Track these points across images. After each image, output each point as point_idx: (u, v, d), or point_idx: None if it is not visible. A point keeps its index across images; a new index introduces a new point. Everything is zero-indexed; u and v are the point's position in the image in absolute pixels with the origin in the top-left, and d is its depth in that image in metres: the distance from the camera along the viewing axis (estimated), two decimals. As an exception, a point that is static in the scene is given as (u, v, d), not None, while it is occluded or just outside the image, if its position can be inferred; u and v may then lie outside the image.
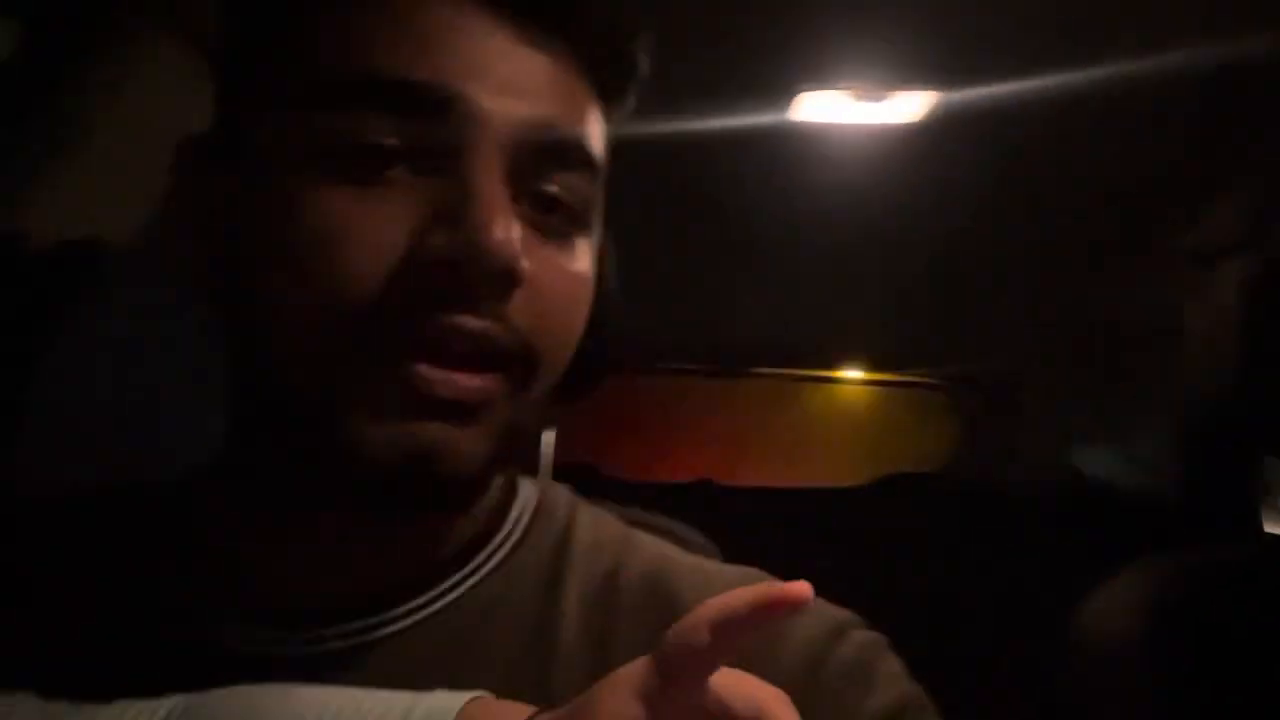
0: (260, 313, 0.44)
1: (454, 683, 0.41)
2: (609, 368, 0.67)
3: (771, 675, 0.41)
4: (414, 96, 0.42)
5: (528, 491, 0.55)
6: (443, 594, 0.49)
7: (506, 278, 0.42)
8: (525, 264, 0.42)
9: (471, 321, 0.42)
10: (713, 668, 0.34)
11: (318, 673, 0.43)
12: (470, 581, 0.49)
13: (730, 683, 0.35)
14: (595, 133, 0.47)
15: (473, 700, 0.38)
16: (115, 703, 0.41)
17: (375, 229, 0.41)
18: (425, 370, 0.41)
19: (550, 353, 0.46)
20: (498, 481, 0.52)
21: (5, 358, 0.85)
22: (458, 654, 0.47)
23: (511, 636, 0.48)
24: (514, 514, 0.53)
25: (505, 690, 0.42)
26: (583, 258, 0.47)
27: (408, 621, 0.48)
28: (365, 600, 0.47)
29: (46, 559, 0.50)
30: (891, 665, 0.50)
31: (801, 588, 0.34)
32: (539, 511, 0.53)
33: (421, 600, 0.48)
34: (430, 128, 0.42)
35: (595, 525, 0.54)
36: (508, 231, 0.41)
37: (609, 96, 0.49)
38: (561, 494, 0.56)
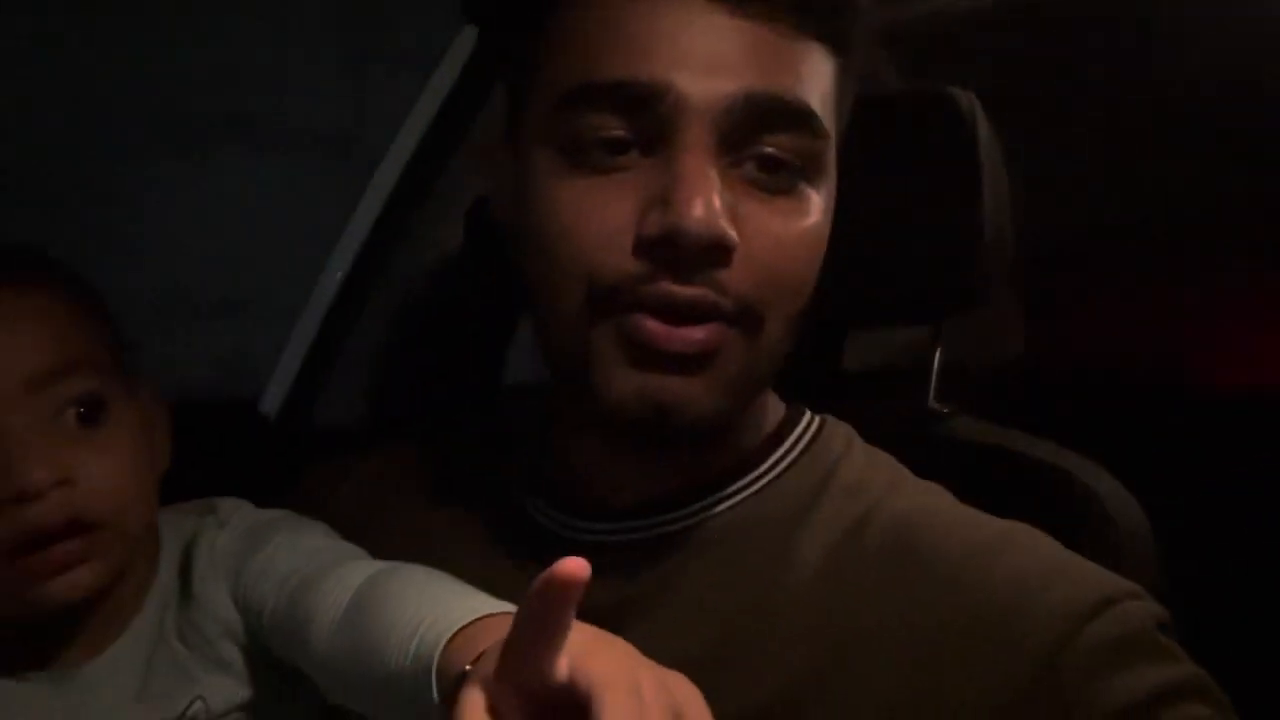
0: (532, 285, 0.54)
1: (691, 594, 0.54)
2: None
3: (1006, 656, 0.46)
4: (628, 93, 0.49)
5: (807, 426, 0.60)
6: (697, 511, 0.56)
7: (711, 250, 0.48)
8: (731, 233, 0.48)
9: (685, 290, 0.48)
10: (538, 654, 0.35)
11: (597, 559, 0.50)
12: (726, 504, 0.56)
13: (580, 664, 0.36)
14: (814, 87, 0.51)
15: (477, 621, 0.43)
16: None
17: (606, 215, 0.49)
18: (652, 325, 0.48)
19: (775, 305, 0.51)
20: (774, 413, 0.59)
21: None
22: (704, 568, 0.55)
23: (757, 561, 0.54)
24: (784, 447, 0.58)
25: (745, 613, 0.52)
26: (811, 210, 0.52)
27: (671, 528, 0.56)
28: (638, 506, 0.56)
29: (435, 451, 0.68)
30: (1157, 645, 0.47)
31: (570, 565, 0.34)
32: (810, 447, 0.59)
33: (679, 514, 0.56)
34: (647, 117, 0.49)
35: (864, 466, 0.58)
36: (708, 208, 0.47)
37: (832, 43, 0.52)
38: (839, 432, 0.61)
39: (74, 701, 0.54)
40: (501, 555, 0.59)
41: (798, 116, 0.50)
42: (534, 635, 0.35)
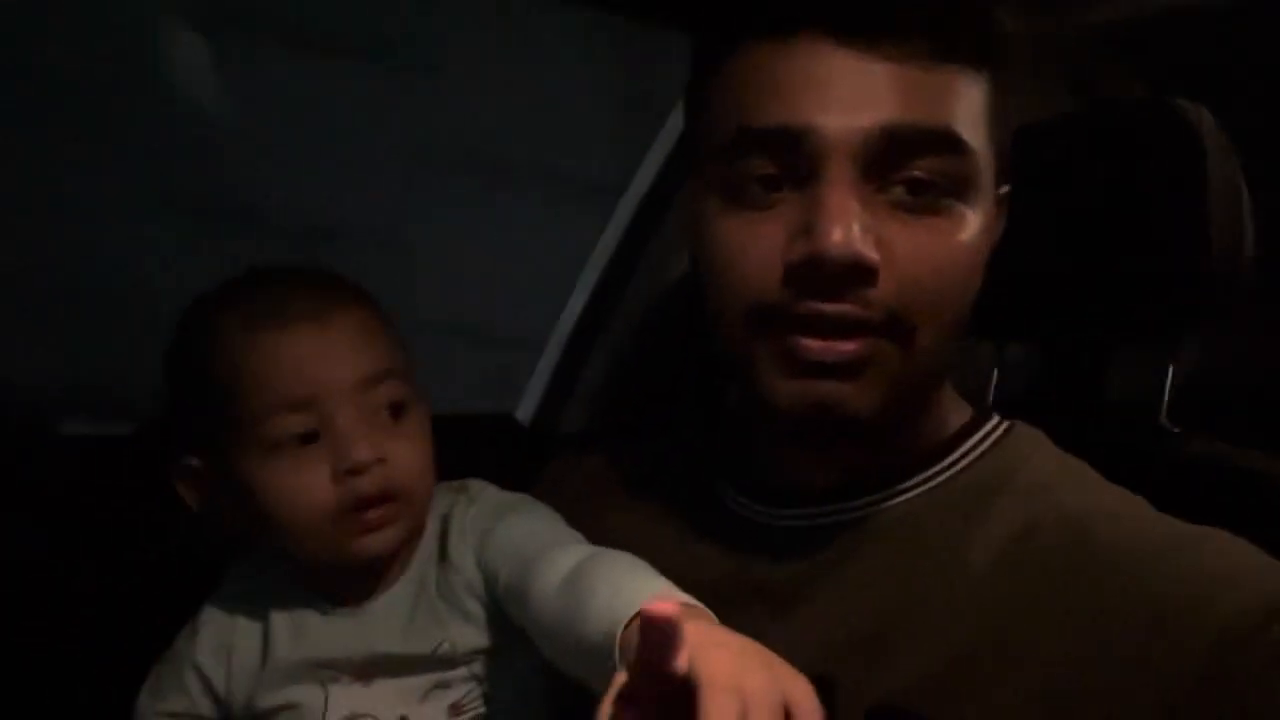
0: (707, 308, 0.60)
1: (859, 577, 0.58)
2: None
3: (1179, 654, 0.46)
4: (776, 137, 0.54)
5: (992, 430, 0.63)
6: (872, 503, 0.60)
7: (852, 269, 0.52)
8: (870, 254, 0.52)
9: (830, 307, 0.53)
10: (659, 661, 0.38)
11: (783, 540, 0.62)
12: (902, 497, 0.60)
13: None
14: (958, 109, 0.54)
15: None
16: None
17: (761, 247, 0.55)
18: (806, 341, 0.54)
19: (924, 315, 0.54)
20: (957, 417, 0.63)
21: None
22: (874, 554, 0.59)
23: (927, 550, 0.58)
24: (964, 448, 0.61)
25: (910, 596, 0.56)
26: (964, 226, 0.55)
27: (846, 516, 0.61)
28: (819, 494, 0.62)
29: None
30: None
31: (659, 609, 0.37)
32: (993, 449, 0.61)
33: (854, 503, 0.61)
34: (795, 156, 0.54)
35: (1051, 470, 0.60)
36: (845, 235, 0.52)
37: (974, 65, 0.55)
38: (1027, 436, 0.63)
39: (361, 629, 0.67)
40: (704, 539, 0.66)
41: (940, 140, 0.53)
42: (650, 654, 0.39)
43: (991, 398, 0.91)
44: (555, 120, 2.01)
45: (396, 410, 0.66)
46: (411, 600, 0.67)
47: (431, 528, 0.70)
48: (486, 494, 0.72)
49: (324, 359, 0.63)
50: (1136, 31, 1.09)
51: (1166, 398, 0.78)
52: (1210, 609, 0.48)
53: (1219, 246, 0.71)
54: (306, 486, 0.63)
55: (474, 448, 1.14)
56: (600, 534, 0.70)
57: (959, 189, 0.54)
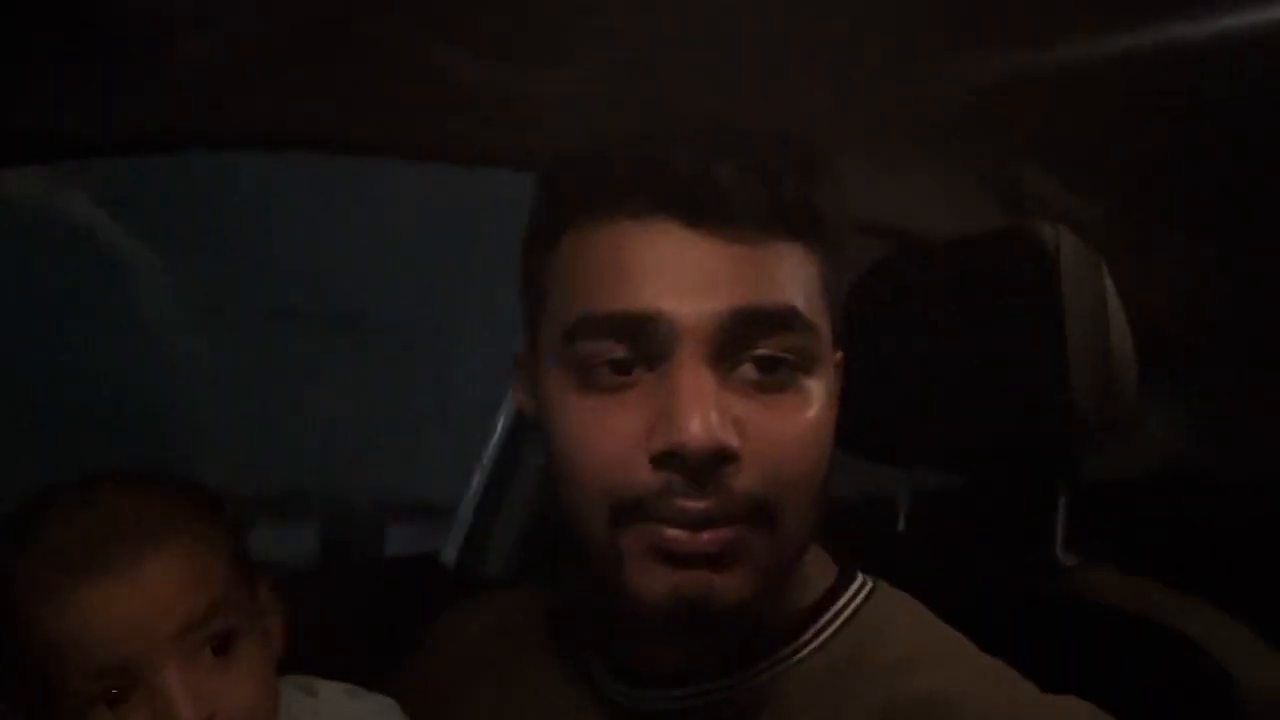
0: (559, 494, 0.57)
1: None
2: None
3: None
4: (625, 322, 0.53)
5: (853, 596, 0.61)
6: (736, 684, 0.58)
7: (714, 458, 0.51)
8: (731, 441, 0.51)
9: (696, 504, 0.52)
10: None
11: None
12: (766, 675, 0.58)
13: None
14: (797, 285, 0.54)
15: None
16: None
17: (617, 434, 0.53)
18: (674, 534, 0.52)
19: (785, 499, 0.53)
20: (821, 579, 0.61)
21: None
22: None
23: None
24: (827, 616, 0.60)
25: None
26: (811, 401, 0.55)
27: (712, 698, 0.59)
28: (683, 675, 0.59)
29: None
30: None
31: None
32: (852, 620, 0.59)
33: (718, 684, 0.59)
34: (644, 340, 0.53)
35: (909, 642, 0.58)
36: (705, 423, 0.51)
37: (810, 240, 0.55)
38: (889, 603, 0.61)
39: None
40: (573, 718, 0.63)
41: (783, 319, 0.54)
42: None
43: (902, 524, 0.88)
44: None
45: (226, 643, 0.60)
46: None
47: None
48: (328, 712, 0.67)
49: (137, 616, 0.57)
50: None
51: (1060, 532, 0.74)
52: None
53: (1080, 378, 0.68)
54: None
55: (398, 589, 1.12)
56: (470, 712, 0.68)
57: (805, 364, 0.54)
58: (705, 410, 0.51)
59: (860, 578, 0.62)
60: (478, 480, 1.16)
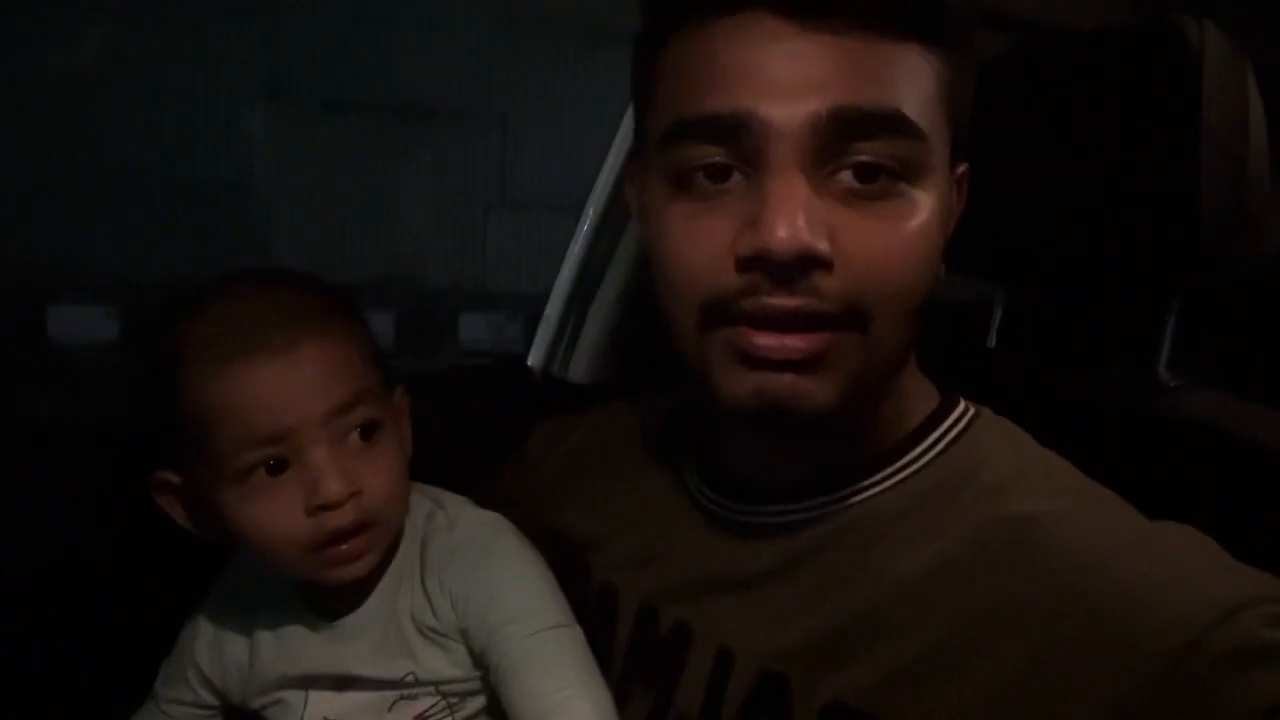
0: (658, 297, 0.57)
1: (816, 577, 0.57)
2: None
3: (1121, 664, 0.46)
4: (718, 125, 0.52)
5: (954, 422, 0.60)
6: (830, 502, 0.59)
7: (802, 262, 0.50)
8: (821, 245, 0.50)
9: (782, 301, 0.51)
10: None
11: (746, 536, 0.61)
12: (860, 496, 0.58)
13: None
14: (909, 89, 0.51)
15: None
16: None
17: (708, 239, 0.53)
18: (759, 338, 0.52)
19: (882, 305, 0.52)
20: (921, 406, 0.60)
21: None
22: (832, 555, 0.57)
23: (882, 554, 0.56)
24: (924, 444, 0.59)
25: (865, 599, 0.54)
26: (915, 211, 0.52)
27: (805, 515, 0.59)
28: (780, 491, 0.60)
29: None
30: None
31: None
32: (952, 446, 0.59)
33: (812, 502, 0.59)
34: (740, 144, 0.51)
35: (1008, 469, 0.57)
36: (792, 228, 0.50)
37: (927, 40, 0.52)
38: (990, 430, 0.60)
39: (336, 647, 0.68)
40: (670, 527, 0.66)
41: (888, 122, 0.51)
42: None
43: (993, 340, 0.86)
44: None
45: (369, 431, 0.65)
46: (384, 622, 0.68)
47: (408, 547, 0.69)
48: (464, 523, 0.70)
49: (293, 392, 0.62)
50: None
51: (1166, 351, 0.72)
52: (1150, 620, 0.47)
53: (1213, 194, 0.63)
54: (278, 519, 0.62)
55: (488, 392, 1.15)
56: (568, 524, 0.71)
57: (911, 173, 0.52)
58: (792, 215, 0.50)
59: (962, 404, 0.61)
60: (563, 282, 1.15)
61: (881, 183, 0.51)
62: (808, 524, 0.59)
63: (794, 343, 0.52)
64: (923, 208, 0.52)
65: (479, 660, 0.65)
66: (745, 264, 0.51)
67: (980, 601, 0.52)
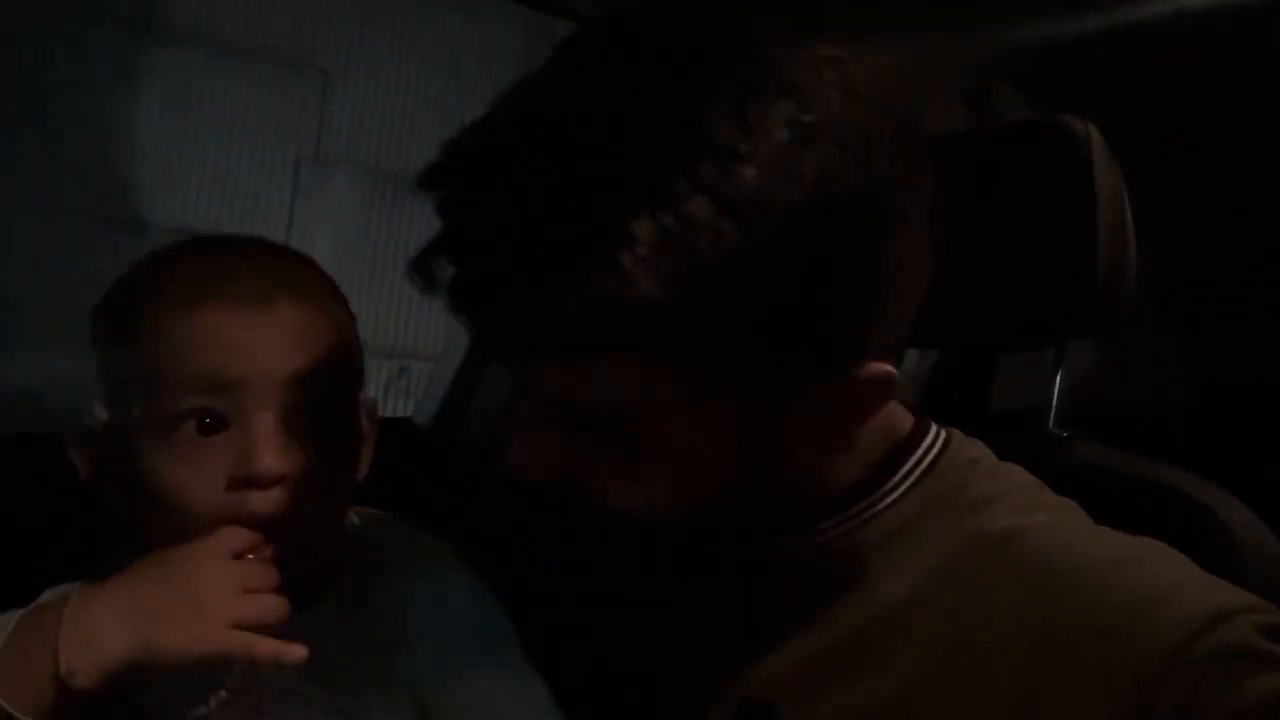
0: None
1: (807, 606, 0.56)
2: None
3: (1115, 672, 0.47)
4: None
5: (931, 444, 0.60)
6: (822, 530, 0.58)
7: None
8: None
9: None
10: None
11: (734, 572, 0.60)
12: (844, 527, 0.57)
13: None
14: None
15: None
16: None
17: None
18: None
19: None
20: (899, 427, 0.60)
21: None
22: (823, 584, 0.57)
23: (877, 581, 0.56)
24: (907, 466, 0.59)
25: (859, 625, 0.55)
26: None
27: (794, 547, 0.58)
28: (758, 531, 0.59)
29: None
30: (1272, 656, 0.45)
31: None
32: (934, 466, 0.59)
33: (804, 533, 0.58)
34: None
35: (989, 486, 0.58)
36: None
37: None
38: (965, 449, 0.61)
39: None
40: (652, 563, 0.63)
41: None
42: None
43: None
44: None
45: (324, 417, 0.59)
46: (332, 636, 0.60)
47: (363, 571, 0.63)
48: (438, 572, 0.64)
49: (258, 344, 0.57)
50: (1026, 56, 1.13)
51: (1055, 404, 0.81)
52: (1143, 628, 0.48)
53: (1105, 255, 0.73)
54: (193, 483, 0.56)
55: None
56: (544, 559, 0.68)
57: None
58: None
59: (934, 428, 0.62)
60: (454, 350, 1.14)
61: None
62: (792, 555, 0.58)
63: None
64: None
65: None
66: None
67: (970, 620, 0.52)
